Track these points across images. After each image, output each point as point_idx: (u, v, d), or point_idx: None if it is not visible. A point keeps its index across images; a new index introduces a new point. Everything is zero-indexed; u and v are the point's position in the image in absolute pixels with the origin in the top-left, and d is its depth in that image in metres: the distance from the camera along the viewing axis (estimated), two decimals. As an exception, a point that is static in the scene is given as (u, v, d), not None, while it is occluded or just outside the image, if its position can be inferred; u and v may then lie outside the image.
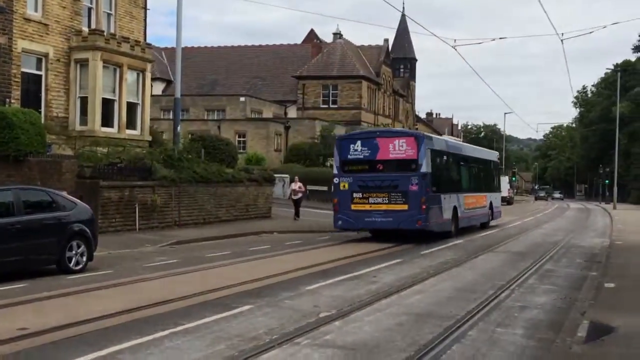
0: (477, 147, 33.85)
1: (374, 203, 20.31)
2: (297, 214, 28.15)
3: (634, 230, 27.05)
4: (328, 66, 57.89)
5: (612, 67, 77.09)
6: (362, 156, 20.82)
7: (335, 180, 21.19)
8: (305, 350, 7.30)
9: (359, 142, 21.02)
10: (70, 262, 12.90)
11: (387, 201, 20.22)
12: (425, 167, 20.22)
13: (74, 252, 12.99)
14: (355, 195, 20.56)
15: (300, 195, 28.34)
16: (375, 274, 13.30)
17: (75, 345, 7.32)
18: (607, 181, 73.46)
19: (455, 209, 22.76)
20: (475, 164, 27.59)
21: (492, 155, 32.19)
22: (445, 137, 28.01)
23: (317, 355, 7.09)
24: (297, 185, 28.40)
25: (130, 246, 17.14)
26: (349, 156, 21.00)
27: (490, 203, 28.52)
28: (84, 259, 13.21)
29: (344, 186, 20.84)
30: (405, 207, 20.00)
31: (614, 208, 51.43)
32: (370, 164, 20.75)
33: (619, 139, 61.59)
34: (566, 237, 24.13)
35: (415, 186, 20.06)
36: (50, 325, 8.15)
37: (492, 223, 28.99)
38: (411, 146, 20.40)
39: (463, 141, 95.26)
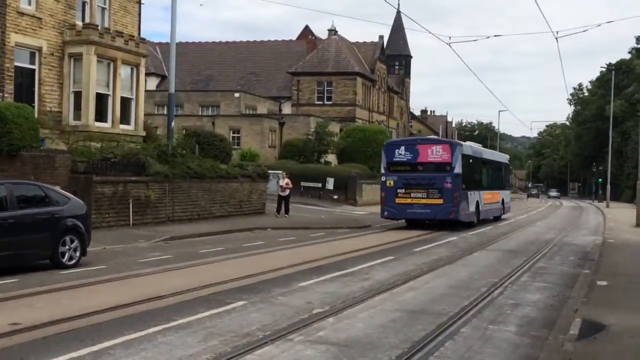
0: (493, 151, 40.52)
1: (415, 197, 24.74)
2: (286, 210, 27.73)
3: (626, 228, 27.18)
4: (323, 62, 57.85)
5: (606, 66, 77.35)
6: (405, 159, 25.30)
7: (383, 178, 25.74)
8: (298, 346, 7.31)
9: (402, 147, 25.74)
10: (63, 257, 12.87)
11: (425, 196, 24.62)
12: (458, 169, 24.65)
13: (67, 247, 12.96)
14: (399, 191, 24.97)
15: (288, 191, 27.89)
16: (368, 270, 13.32)
17: (68, 340, 7.30)
18: (600, 179, 73.74)
19: (477, 203, 27.21)
20: (492, 165, 32.15)
21: (503, 157, 37.34)
22: (470, 144, 31.73)
23: (310, 352, 7.10)
24: (284, 182, 27.95)
25: (124, 241, 17.10)
26: (394, 159, 25.42)
27: (503, 199, 33.20)
28: (78, 254, 13.18)
29: (389, 183, 25.21)
30: (441, 201, 24.38)
31: (607, 206, 51.64)
32: (412, 166, 25.14)
33: (613, 138, 61.82)
34: (559, 235, 24.21)
35: (449, 184, 24.40)
36: (43, 321, 8.13)
37: (504, 216, 33.47)
38: (446, 151, 25.01)
39: (457, 139, 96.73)
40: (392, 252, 16.81)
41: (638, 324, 8.50)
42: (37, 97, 22.60)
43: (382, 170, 25.88)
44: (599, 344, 7.44)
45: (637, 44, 22.88)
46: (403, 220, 26.54)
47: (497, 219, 31.73)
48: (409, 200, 24.85)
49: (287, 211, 27.72)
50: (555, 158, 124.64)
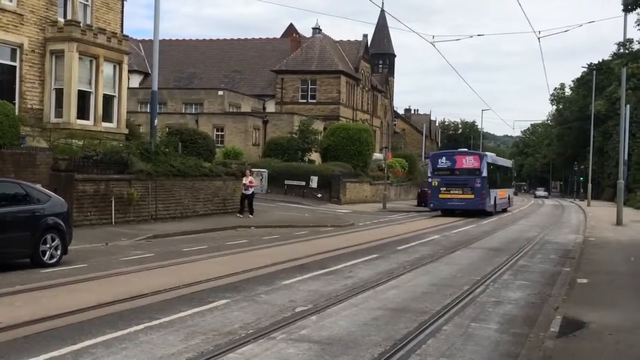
0: (503, 158, 52.85)
1: (453, 193, 33.91)
2: (250, 211, 25.94)
3: (607, 227, 27.45)
4: (307, 61, 57.81)
5: (587, 66, 77.98)
6: (446, 166, 34.56)
7: (430, 179, 35.36)
8: (280, 344, 7.30)
9: (444, 157, 35.35)
10: (44, 255, 12.75)
11: (461, 193, 33.81)
12: (484, 173, 34.03)
13: (48, 245, 12.84)
14: (441, 189, 34.01)
15: (252, 190, 26.20)
16: (351, 269, 13.34)
17: (48, 339, 7.23)
18: (581, 178, 74.41)
19: (495, 198, 36.63)
20: (503, 170, 42.38)
21: (509, 163, 51.54)
22: (491, 154, 40.72)
23: (292, 350, 7.10)
24: (248, 180, 26.10)
25: (106, 240, 16.97)
26: (437, 166, 34.75)
27: (509, 195, 43.81)
28: (59, 252, 13.06)
29: (434, 183, 34.40)
30: (472, 196, 33.55)
31: (588, 205, 52.12)
32: (450, 171, 34.45)
33: (594, 137, 62.41)
34: (541, 233, 24.41)
35: (478, 184, 33.68)
36: (23, 320, 8.04)
37: (509, 209, 43.06)
38: (476, 160, 34.53)
39: (440, 137, 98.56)
40: (375, 250, 16.85)
41: (617, 321, 8.59)
42: (17, 94, 22.39)
43: (429, 174, 35.70)
44: (578, 341, 7.51)
45: (619, 49, 23.37)
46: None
47: (504, 210, 40.88)
48: (448, 196, 34.02)
49: (251, 211, 25.99)
50: (538, 157, 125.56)
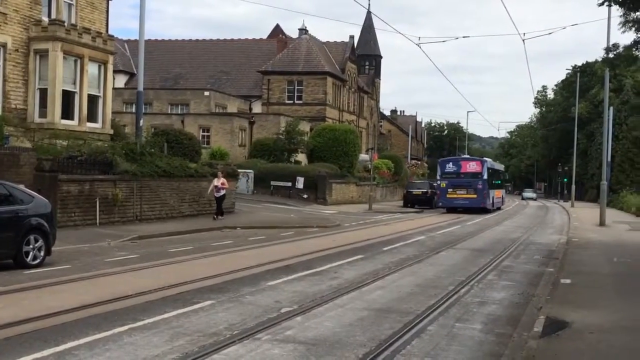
0: (499, 163, 59.17)
1: (459, 194, 39.04)
2: (220, 212, 24.60)
3: (590, 227, 27.68)
4: (293, 62, 57.78)
5: (571, 69, 78.60)
6: (452, 170, 40.12)
7: (438, 182, 40.77)
8: (265, 345, 7.30)
9: (451, 163, 41.43)
10: (27, 256, 12.65)
11: (465, 193, 38.85)
12: (485, 176, 39.47)
13: (31, 246, 12.75)
14: (449, 190, 39.33)
15: (223, 192, 24.76)
16: (337, 269, 13.36)
17: (31, 341, 7.18)
18: (565, 179, 74.93)
19: (493, 197, 41.90)
20: (498, 173, 48.15)
21: (502, 167, 56.83)
22: (488, 159, 47.41)
23: (277, 351, 7.09)
24: (219, 182, 24.70)
25: (90, 241, 16.87)
26: (445, 170, 40.26)
27: (502, 195, 49.35)
28: (42, 253, 12.97)
29: (443, 185, 39.84)
30: (475, 196, 38.77)
31: (572, 206, 52.53)
32: (457, 174, 39.69)
33: (578, 139, 62.92)
34: (525, 234, 24.57)
35: (480, 185, 38.93)
36: (6, 321, 7.98)
37: (502, 207, 48.22)
38: (478, 165, 40.42)
39: (426, 139, 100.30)
40: (361, 251, 16.88)
41: (599, 321, 8.67)
42: (1, 94, 22.20)
43: (438, 177, 41.02)
44: (561, 341, 7.58)
45: (607, 54, 23.67)
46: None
47: (498, 208, 45.79)
48: (455, 196, 39.26)
49: (220, 213, 24.63)
50: (522, 158, 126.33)
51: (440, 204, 40.44)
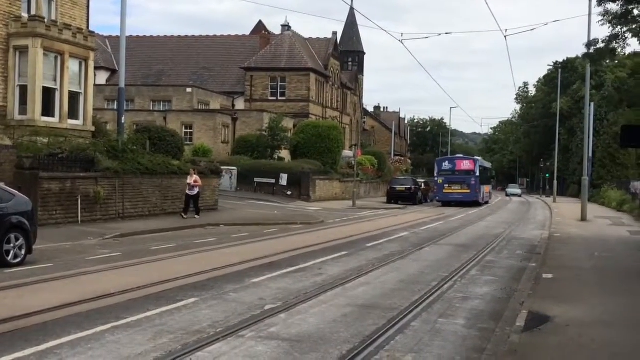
0: (487, 162, 65.10)
1: (454, 189, 43.68)
2: (197, 211, 24.10)
3: (572, 222, 27.93)
4: (276, 58, 57.62)
5: (553, 65, 79.17)
6: (448, 168, 45.04)
7: (435, 178, 45.98)
8: (249, 342, 7.29)
9: (447, 161, 46.87)
10: (7, 255, 12.51)
11: (460, 188, 43.38)
12: (477, 173, 44.59)
13: (12, 245, 12.61)
14: (445, 185, 44.04)
15: (197, 190, 23.98)
16: (321, 266, 13.37)
17: (12, 340, 7.11)
18: (547, 175, 75.50)
19: (483, 192, 46.57)
20: (487, 170, 53.60)
21: (489, 164, 63.74)
22: (479, 158, 54.32)
23: (261, 348, 7.09)
24: (192, 179, 23.89)
25: (72, 239, 16.74)
26: (442, 168, 45.17)
27: (490, 190, 54.07)
28: (23, 252, 12.84)
29: (440, 181, 44.60)
30: (468, 191, 43.49)
31: (554, 201, 52.96)
32: (452, 171, 44.65)
33: (560, 135, 63.41)
34: (507, 230, 24.75)
35: (473, 182, 43.71)
36: (-14, 321, 7.90)
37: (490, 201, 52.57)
38: (471, 163, 45.49)
39: (409, 135, 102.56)
40: (345, 247, 16.90)
41: (581, 315, 8.76)
42: (-20, 91, 21.90)
43: (435, 174, 46.24)
44: (543, 335, 7.65)
45: (588, 49, 23.82)
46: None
47: (487, 202, 49.68)
48: (450, 191, 44.01)
49: (197, 212, 24.13)
50: (505, 154, 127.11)
51: (437, 198, 45.71)
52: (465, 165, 45.23)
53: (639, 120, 20.96)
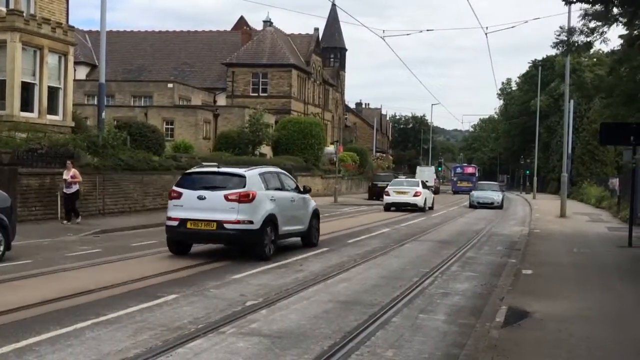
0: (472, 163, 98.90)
1: (463, 184, 69.75)
2: (76, 214, 19.34)
3: (551, 219, 28.20)
4: (258, 54, 57.48)
5: (532, 62, 79.70)
6: (459, 171, 76.41)
7: (453, 178, 78.94)
8: (230, 338, 7.28)
9: (458, 168, 79.52)
10: (-15, 252, 12.37)
11: (467, 183, 68.30)
12: (477, 174, 74.73)
13: (-10, 241, 12.46)
14: (457, 182, 73.15)
15: (75, 187, 19.27)
16: (302, 262, 13.37)
17: (-10, 338, 7.03)
18: (527, 172, 76.13)
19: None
20: (479, 172, 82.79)
21: (478, 168, 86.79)
22: (474, 165, 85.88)
23: (242, 344, 7.08)
24: (69, 174, 19.13)
25: (52, 235, 16.58)
26: (456, 171, 77.81)
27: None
28: (1, 248, 12.67)
29: (455, 179, 75.38)
30: (471, 185, 61.67)
31: (534, 198, 53.41)
32: (462, 172, 75.32)
33: (539, 132, 63.91)
34: (488, 226, 24.92)
35: (474, 180, 66.83)
36: (-37, 318, 7.80)
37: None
38: (473, 169, 78.33)
39: (391, 132, 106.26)
40: (326, 243, 16.90)
41: (560, 310, 8.85)
42: (-43, 85, 21.60)
43: (452, 175, 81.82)
44: (523, 331, 7.72)
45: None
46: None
47: None
48: (460, 185, 70.15)
49: (76, 214, 19.37)
50: (486, 151, 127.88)
51: (454, 190, 71.19)
52: (469, 169, 76.22)
53: (628, 116, 21.15)
